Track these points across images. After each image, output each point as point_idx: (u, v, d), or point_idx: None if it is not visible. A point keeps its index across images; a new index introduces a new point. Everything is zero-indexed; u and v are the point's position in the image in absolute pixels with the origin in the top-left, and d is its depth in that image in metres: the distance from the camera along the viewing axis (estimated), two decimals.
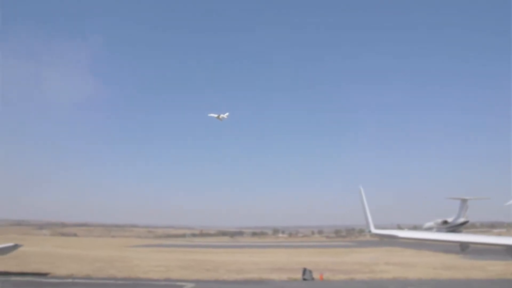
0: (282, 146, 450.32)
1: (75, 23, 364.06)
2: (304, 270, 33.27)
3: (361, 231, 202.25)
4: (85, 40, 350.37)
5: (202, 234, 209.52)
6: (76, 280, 20.18)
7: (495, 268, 33.95)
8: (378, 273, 34.26)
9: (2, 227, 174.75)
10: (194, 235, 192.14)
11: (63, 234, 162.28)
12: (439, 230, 64.56)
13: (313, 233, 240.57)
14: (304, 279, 32.48)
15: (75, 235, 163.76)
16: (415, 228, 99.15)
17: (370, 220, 22.48)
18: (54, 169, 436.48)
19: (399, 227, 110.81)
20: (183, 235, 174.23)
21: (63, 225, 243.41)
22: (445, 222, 65.75)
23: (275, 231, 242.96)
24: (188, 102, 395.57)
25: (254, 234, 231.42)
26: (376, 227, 22.81)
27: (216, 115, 44.94)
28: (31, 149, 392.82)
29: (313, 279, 32.78)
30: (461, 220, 64.38)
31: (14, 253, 19.37)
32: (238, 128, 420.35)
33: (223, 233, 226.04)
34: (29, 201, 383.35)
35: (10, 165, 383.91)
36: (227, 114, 45.07)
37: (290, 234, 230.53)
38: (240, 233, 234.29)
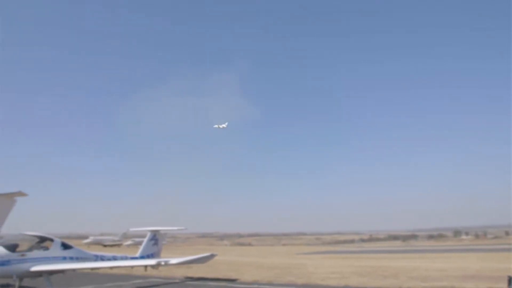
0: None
1: (224, 52, 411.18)
2: (510, 279, 27.52)
3: None
4: (234, 66, 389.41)
5: (372, 239, 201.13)
6: (261, 286, 21.27)
7: None
8: None
9: (192, 239, 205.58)
10: (363, 240, 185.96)
11: (239, 244, 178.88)
12: None
13: (507, 233, 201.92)
14: None
15: (249, 244, 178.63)
16: None
17: None
18: (228, 187, 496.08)
19: None
20: (352, 241, 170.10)
21: (239, 235, 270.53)
22: None
23: (457, 232, 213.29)
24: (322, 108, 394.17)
25: (430, 237, 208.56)
26: None
27: (217, 126, 51.63)
28: (208, 171, 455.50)
29: None
30: None
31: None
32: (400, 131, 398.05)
33: (394, 237, 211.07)
34: (211, 216, 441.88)
35: (193, 187, 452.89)
36: (226, 123, 52.04)
37: (477, 236, 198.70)
38: (413, 237, 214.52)
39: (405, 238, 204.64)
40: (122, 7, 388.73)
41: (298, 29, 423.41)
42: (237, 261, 40.82)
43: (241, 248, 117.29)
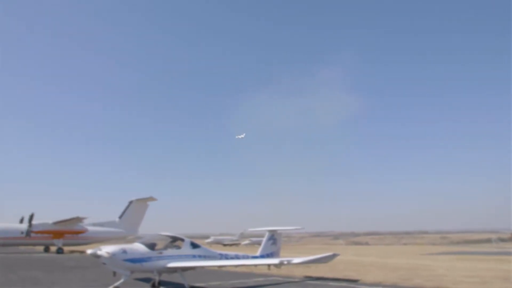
0: None
1: (328, 46, 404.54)
2: None
3: None
4: (341, 59, 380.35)
5: None
6: None
7: None
8: None
9: (306, 238, 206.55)
10: (502, 240, 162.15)
11: (355, 243, 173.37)
12: None
13: None
14: None
15: (366, 243, 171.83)
16: None
17: None
18: (341, 186, 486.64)
19: None
20: (488, 240, 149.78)
21: (354, 234, 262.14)
22: None
23: None
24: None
25: None
26: None
27: (237, 136, 56.53)
28: (321, 171, 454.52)
29: None
30: None
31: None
32: None
33: None
34: (325, 215, 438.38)
35: (306, 186, 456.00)
36: (244, 134, 57.28)
37: None
38: None
39: None
40: (226, 7, 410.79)
41: (402, 24, 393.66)
42: (356, 261, 39.28)
43: (357, 247, 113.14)
